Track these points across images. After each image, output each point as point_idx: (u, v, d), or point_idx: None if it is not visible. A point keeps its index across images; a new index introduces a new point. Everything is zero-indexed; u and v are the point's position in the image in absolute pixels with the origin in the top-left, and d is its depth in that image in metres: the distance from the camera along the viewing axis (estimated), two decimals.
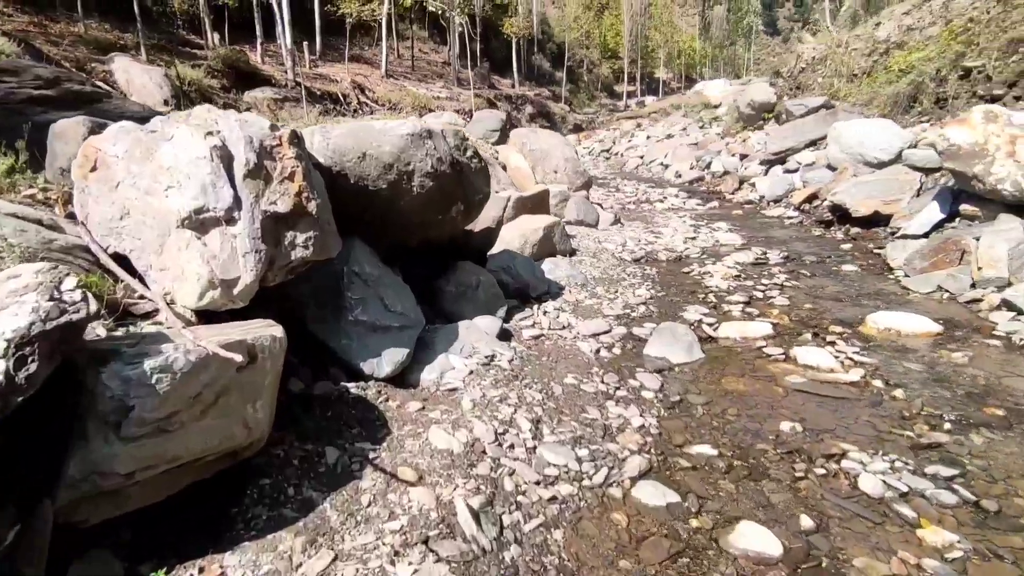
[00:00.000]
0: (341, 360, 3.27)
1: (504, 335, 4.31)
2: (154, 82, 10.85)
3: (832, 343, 4.28)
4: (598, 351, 4.21)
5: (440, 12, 23.05)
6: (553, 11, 50.74)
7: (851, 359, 3.97)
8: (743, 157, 13.90)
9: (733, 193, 12.42)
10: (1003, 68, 8.87)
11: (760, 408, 3.38)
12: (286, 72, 17.06)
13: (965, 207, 6.02)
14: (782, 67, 14.96)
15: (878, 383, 3.61)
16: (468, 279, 4.59)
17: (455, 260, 4.76)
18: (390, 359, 3.33)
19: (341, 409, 2.93)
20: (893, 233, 7.01)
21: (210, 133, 2.76)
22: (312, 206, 2.92)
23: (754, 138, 14.77)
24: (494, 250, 5.52)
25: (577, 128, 36.15)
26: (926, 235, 6.39)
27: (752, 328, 4.61)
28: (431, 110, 23.37)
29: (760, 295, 5.49)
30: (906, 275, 5.75)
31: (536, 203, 6.94)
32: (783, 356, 4.10)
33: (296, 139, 2.99)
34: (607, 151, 22.50)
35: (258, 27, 18.73)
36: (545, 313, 4.82)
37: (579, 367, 3.90)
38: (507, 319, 4.61)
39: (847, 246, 7.23)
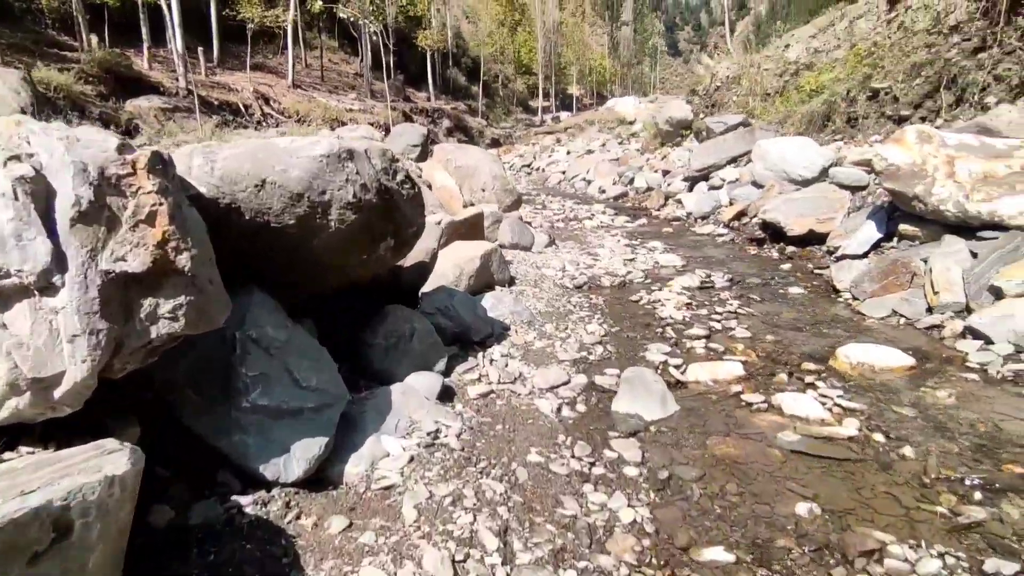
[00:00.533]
0: (233, 464, 2.39)
1: (446, 394, 3.55)
2: (8, 87, 9.18)
3: (811, 384, 3.85)
4: (559, 409, 3.55)
5: (351, 20, 21.72)
6: (468, 26, 50.63)
7: (838, 405, 3.55)
8: (666, 173, 13.92)
9: (659, 209, 12.30)
10: (908, 90, 9.21)
11: (762, 481, 2.84)
12: (177, 79, 15.39)
13: (904, 227, 5.95)
14: (697, 85, 15.20)
15: (879, 437, 3.18)
16: (400, 327, 3.80)
17: (383, 303, 3.96)
18: (303, 455, 2.48)
19: (232, 545, 2.06)
20: (831, 252, 6.91)
21: (15, 158, 1.84)
22: (183, 259, 2.05)
23: (674, 154, 14.88)
24: (427, 286, 4.75)
25: (495, 142, 35.89)
26: (865, 255, 6.29)
27: (722, 369, 4.12)
28: (343, 123, 22.14)
29: (718, 326, 5.05)
30: (855, 298, 5.54)
31: (470, 227, 6.23)
32: (765, 404, 3.62)
33: (160, 164, 2.12)
34: (528, 166, 22.21)
35: (144, 29, 16.86)
36: (492, 361, 4.11)
37: (542, 435, 3.22)
38: (447, 372, 3.86)
39: (786, 266, 7.05)
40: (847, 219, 7.12)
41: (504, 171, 10.26)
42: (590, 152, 20.26)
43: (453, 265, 5.26)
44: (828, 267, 6.51)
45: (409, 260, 4.35)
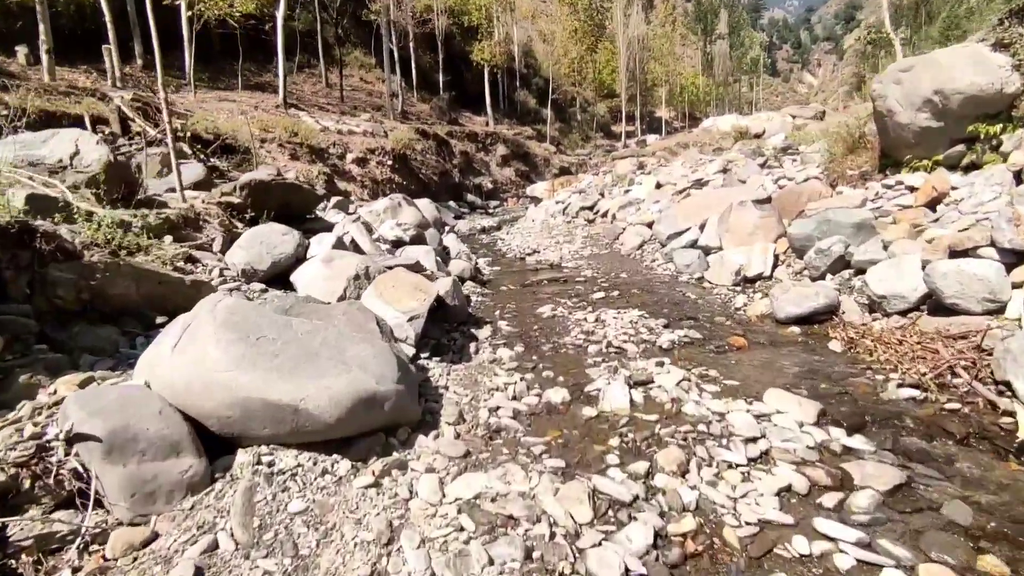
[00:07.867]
0: None
1: None
2: None
3: None
4: None
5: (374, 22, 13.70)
6: (541, 46, 41.80)
7: None
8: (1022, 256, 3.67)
9: None
10: None
11: None
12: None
13: None
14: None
15: None
16: None
17: None
18: None
19: None
20: None
21: None
22: None
23: (978, 188, 4.60)
24: None
25: (564, 171, 26.42)
26: None
27: None
28: (311, 146, 13.82)
29: None
30: None
31: None
32: None
33: None
34: (590, 208, 12.36)
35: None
36: None
37: None
38: None
39: None
40: None
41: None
42: (700, 184, 10.11)
43: None
44: None
45: None
